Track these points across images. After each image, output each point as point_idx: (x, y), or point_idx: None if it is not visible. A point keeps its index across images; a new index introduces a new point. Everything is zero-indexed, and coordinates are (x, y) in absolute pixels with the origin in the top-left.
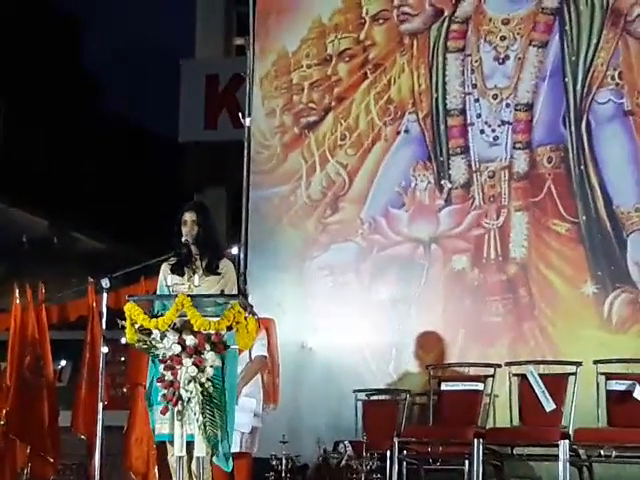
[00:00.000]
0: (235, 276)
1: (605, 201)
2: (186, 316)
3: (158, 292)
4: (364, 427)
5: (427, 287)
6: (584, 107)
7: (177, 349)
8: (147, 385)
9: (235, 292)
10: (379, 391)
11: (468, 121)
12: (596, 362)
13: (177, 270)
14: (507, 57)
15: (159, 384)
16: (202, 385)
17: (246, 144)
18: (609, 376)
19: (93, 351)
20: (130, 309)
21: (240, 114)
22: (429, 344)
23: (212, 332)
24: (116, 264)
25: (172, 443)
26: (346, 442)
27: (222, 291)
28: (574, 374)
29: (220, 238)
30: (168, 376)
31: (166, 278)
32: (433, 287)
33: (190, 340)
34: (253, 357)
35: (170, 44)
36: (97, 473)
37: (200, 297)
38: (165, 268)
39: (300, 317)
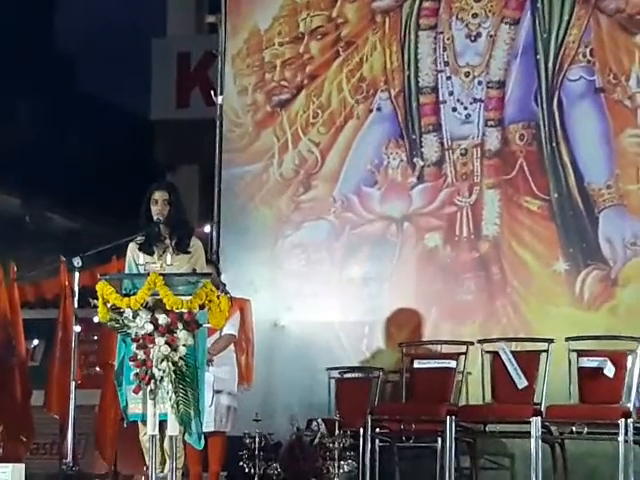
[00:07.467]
0: (204, 254)
1: (577, 178)
2: (158, 295)
3: (127, 271)
4: (337, 405)
5: (400, 265)
6: (556, 84)
7: (149, 328)
8: (116, 364)
9: (206, 270)
10: (352, 369)
11: (440, 99)
12: (568, 339)
13: (146, 249)
14: (479, 34)
15: (132, 363)
16: (175, 364)
17: (218, 122)
18: (581, 353)
19: (66, 330)
20: (102, 288)
21: (212, 92)
22: (402, 322)
23: (184, 311)
24: (89, 243)
25: (144, 422)
26: (319, 420)
27: (193, 270)
28: (546, 351)
29: (189, 216)
30: (141, 355)
31: (136, 257)
32: (406, 265)
33: (162, 319)
34: (222, 335)
35: (141, 22)
36: (70, 452)
37: (172, 276)
38: (133, 247)
39: (273, 295)
